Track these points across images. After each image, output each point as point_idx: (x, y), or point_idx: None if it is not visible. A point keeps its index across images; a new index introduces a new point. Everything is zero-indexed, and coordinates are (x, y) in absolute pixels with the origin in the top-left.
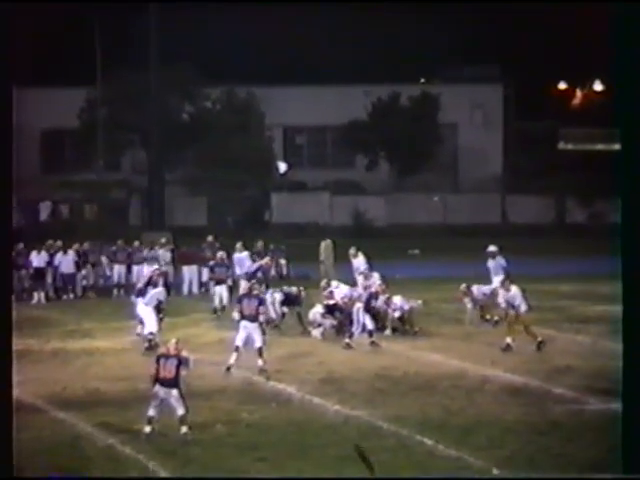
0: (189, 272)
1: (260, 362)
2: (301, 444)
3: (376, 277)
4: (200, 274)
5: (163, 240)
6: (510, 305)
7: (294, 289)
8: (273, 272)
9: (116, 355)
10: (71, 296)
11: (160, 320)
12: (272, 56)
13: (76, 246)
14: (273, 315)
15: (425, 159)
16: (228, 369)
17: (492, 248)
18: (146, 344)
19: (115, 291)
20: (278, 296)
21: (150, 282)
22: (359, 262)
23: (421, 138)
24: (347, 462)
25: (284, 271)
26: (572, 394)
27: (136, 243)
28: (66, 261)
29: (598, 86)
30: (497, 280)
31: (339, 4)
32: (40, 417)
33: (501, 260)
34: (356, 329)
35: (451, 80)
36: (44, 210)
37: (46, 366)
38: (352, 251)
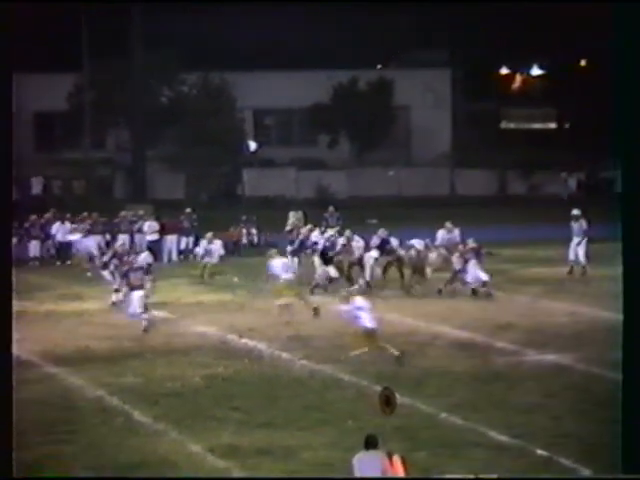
0: (169, 241)
1: None
2: (271, 395)
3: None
4: (179, 243)
5: (141, 212)
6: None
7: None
8: (245, 241)
9: (103, 316)
10: (68, 262)
11: (151, 281)
12: (243, 44)
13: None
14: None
15: (382, 137)
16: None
17: (575, 212)
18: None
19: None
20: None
21: (115, 255)
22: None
23: (378, 118)
24: (312, 411)
25: (255, 240)
26: (513, 347)
27: (122, 213)
28: (63, 230)
29: (536, 71)
30: (577, 241)
31: None
32: (35, 372)
33: (583, 223)
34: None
35: (405, 65)
36: (36, 185)
37: (40, 326)
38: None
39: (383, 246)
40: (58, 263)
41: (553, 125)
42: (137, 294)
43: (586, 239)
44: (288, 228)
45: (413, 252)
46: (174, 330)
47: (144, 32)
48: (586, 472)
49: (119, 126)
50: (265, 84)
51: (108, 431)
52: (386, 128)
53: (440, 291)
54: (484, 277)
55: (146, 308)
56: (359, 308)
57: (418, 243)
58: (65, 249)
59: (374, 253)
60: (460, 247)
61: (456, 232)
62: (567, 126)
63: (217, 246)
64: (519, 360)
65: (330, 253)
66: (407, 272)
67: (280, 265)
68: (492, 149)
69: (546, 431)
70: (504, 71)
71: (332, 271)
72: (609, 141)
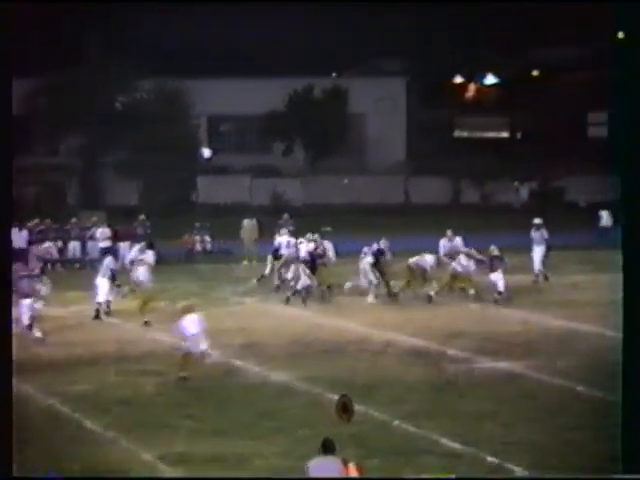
0: (122, 248)
1: None
2: (223, 403)
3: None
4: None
5: (94, 218)
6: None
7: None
8: (199, 247)
9: (54, 323)
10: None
11: (118, 287)
12: (199, 51)
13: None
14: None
15: (336, 145)
16: None
17: (537, 221)
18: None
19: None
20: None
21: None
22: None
23: (332, 126)
24: (265, 419)
25: (208, 247)
26: (464, 355)
27: (73, 220)
28: (19, 237)
29: (490, 80)
30: (538, 250)
31: (259, 4)
32: None
33: (544, 232)
34: None
35: (360, 73)
36: None
37: None
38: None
39: (378, 255)
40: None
41: (506, 134)
42: (25, 302)
43: (546, 248)
44: (242, 236)
45: (428, 266)
46: (127, 337)
47: (98, 38)
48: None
49: (73, 132)
50: (220, 91)
51: (60, 440)
52: (341, 136)
53: (430, 298)
54: (501, 287)
55: (33, 318)
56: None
57: (430, 259)
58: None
59: (369, 259)
60: (473, 252)
61: (457, 240)
62: (519, 135)
63: (149, 256)
64: (470, 368)
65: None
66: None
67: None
68: (446, 157)
69: (497, 438)
70: (458, 80)
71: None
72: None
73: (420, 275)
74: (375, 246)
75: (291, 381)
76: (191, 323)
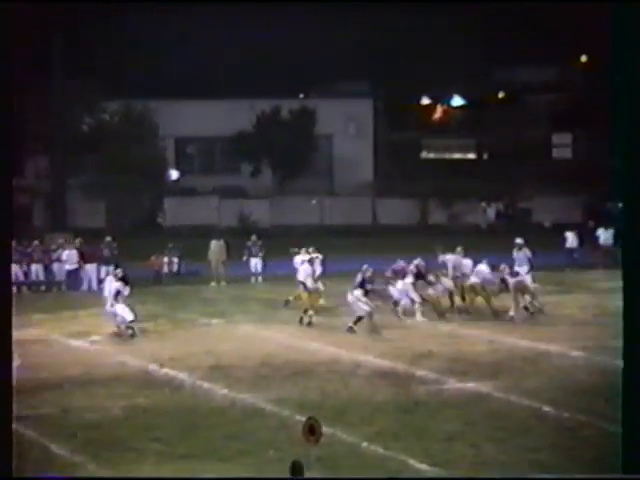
0: (89, 270)
1: None
2: (191, 425)
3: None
4: (99, 271)
5: (61, 240)
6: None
7: None
8: (166, 269)
9: (22, 346)
10: None
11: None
12: (165, 72)
13: None
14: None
15: (304, 166)
16: None
17: (519, 240)
18: (130, 331)
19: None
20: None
21: None
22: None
23: (300, 147)
24: (232, 441)
25: (175, 268)
26: (433, 376)
27: (35, 242)
28: None
29: (457, 102)
30: (522, 270)
31: (227, 24)
32: None
33: (527, 252)
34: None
35: (327, 95)
36: None
37: None
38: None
39: (418, 274)
40: None
41: (472, 155)
42: None
43: (529, 267)
44: (209, 258)
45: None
46: (93, 360)
47: (64, 59)
48: None
49: (39, 154)
50: (187, 113)
51: (24, 464)
52: (308, 157)
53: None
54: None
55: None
56: None
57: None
58: None
59: (409, 279)
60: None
61: (466, 258)
62: (485, 157)
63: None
64: (439, 388)
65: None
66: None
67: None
68: (413, 178)
69: (466, 459)
70: (425, 101)
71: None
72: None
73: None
74: (413, 267)
75: (259, 403)
76: None
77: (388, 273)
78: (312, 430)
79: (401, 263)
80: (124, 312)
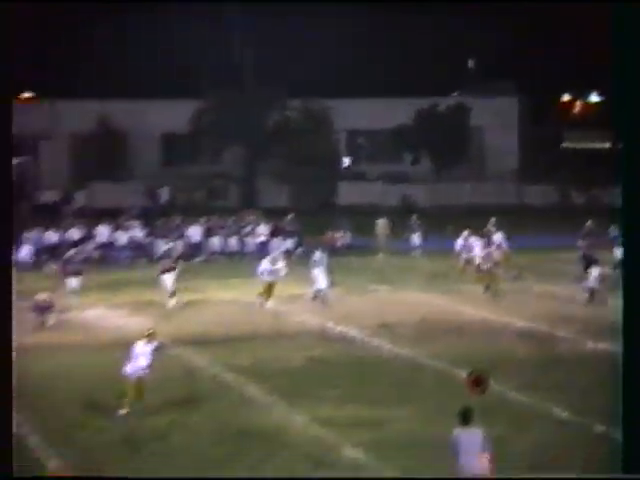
0: (276, 243)
1: None
2: (361, 375)
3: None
4: (284, 244)
5: (252, 217)
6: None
7: None
8: (339, 243)
9: (222, 305)
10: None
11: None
12: (342, 75)
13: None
14: None
15: (458, 155)
16: None
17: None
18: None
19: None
20: None
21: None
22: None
23: (454, 139)
24: (396, 388)
25: (347, 242)
26: (572, 336)
27: (231, 219)
28: (195, 232)
29: (594, 98)
30: None
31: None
32: (166, 352)
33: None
34: None
35: (478, 93)
36: (164, 195)
37: (165, 314)
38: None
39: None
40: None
41: (608, 145)
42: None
43: None
44: (377, 232)
45: None
46: (279, 319)
47: (255, 65)
48: None
49: (232, 145)
50: (358, 109)
51: (226, 403)
52: (461, 147)
53: None
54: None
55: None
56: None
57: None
58: (195, 248)
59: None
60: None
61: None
62: (620, 146)
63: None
64: (577, 347)
65: None
66: None
67: None
68: (554, 166)
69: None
70: (566, 97)
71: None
72: None
73: None
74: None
75: (419, 357)
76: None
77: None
78: (477, 382)
79: None
80: (319, 279)
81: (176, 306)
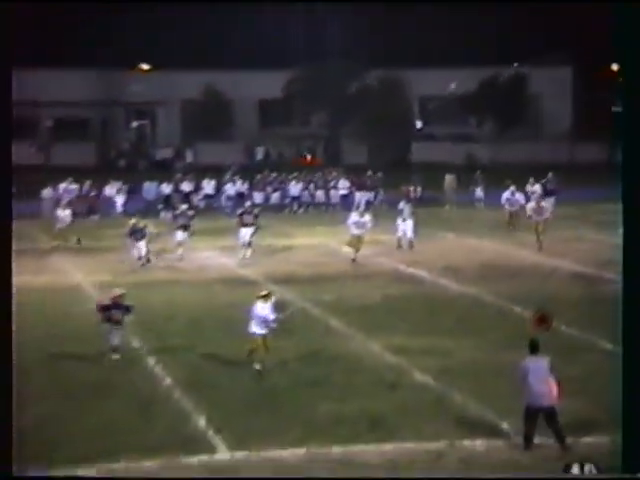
0: (357, 195)
1: None
2: (430, 310)
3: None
4: (364, 197)
5: (335, 173)
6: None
7: None
8: (412, 195)
9: (306, 249)
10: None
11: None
12: (414, 47)
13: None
14: None
15: (517, 119)
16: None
17: None
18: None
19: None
20: None
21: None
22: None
23: (514, 104)
24: (461, 322)
25: (418, 195)
26: (616, 277)
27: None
28: (289, 186)
29: None
30: None
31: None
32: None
33: None
34: None
35: (535, 63)
36: (259, 153)
37: (259, 255)
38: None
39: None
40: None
41: None
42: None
43: None
44: (445, 187)
45: None
46: (359, 261)
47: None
48: None
49: (320, 110)
50: (429, 78)
51: (313, 334)
52: (521, 111)
53: None
54: None
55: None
56: None
57: None
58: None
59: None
60: None
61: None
62: None
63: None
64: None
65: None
66: None
67: None
68: (603, 129)
69: None
70: (614, 67)
71: None
72: None
73: None
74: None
75: (481, 295)
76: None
77: None
78: (542, 320)
79: None
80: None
81: (247, 258)
